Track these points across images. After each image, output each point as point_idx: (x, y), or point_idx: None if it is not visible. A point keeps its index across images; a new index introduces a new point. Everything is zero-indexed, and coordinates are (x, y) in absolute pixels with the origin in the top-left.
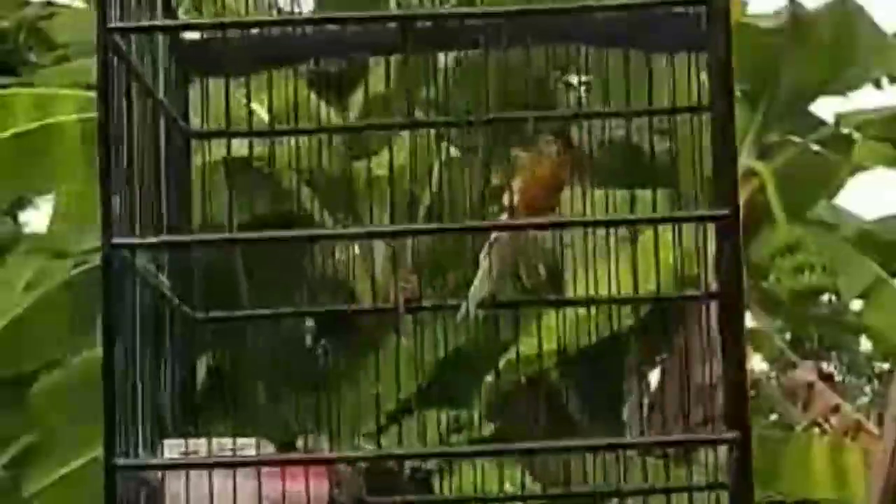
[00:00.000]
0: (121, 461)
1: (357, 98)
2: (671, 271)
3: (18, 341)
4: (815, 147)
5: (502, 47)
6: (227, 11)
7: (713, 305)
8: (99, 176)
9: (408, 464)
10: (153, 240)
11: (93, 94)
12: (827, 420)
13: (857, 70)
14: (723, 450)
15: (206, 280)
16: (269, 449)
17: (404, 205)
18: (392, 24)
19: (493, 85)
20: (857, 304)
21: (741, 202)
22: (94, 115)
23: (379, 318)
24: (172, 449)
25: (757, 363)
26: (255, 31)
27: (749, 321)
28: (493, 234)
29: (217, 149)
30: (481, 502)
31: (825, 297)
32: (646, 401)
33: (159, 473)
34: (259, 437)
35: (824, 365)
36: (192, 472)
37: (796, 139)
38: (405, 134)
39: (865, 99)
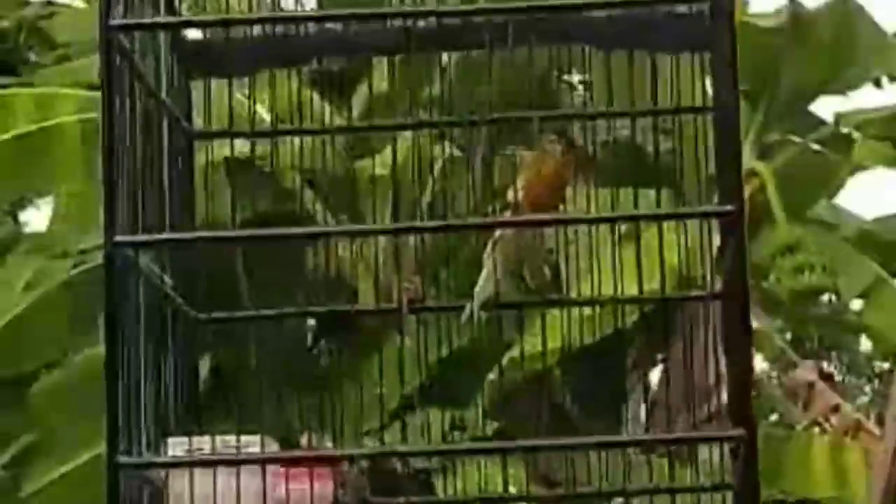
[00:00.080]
0: (124, 459)
1: (359, 97)
2: (675, 270)
3: (18, 341)
4: (816, 147)
5: (507, 48)
6: (230, 10)
7: (717, 304)
8: (102, 174)
9: (411, 464)
10: (156, 237)
11: (93, 94)
12: (827, 419)
13: (858, 69)
14: (726, 450)
15: (207, 280)
16: (273, 447)
17: (406, 204)
18: (395, 25)
19: (495, 84)
20: (857, 304)
21: None
22: (94, 115)
23: (382, 318)
24: (176, 447)
25: (758, 363)
26: (257, 31)
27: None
28: (497, 233)
29: (219, 149)
30: (485, 503)
31: (825, 297)
32: (648, 400)
33: (162, 472)
34: (262, 435)
35: (824, 365)
36: (196, 470)
37: (796, 139)
38: (407, 133)
39: (865, 98)
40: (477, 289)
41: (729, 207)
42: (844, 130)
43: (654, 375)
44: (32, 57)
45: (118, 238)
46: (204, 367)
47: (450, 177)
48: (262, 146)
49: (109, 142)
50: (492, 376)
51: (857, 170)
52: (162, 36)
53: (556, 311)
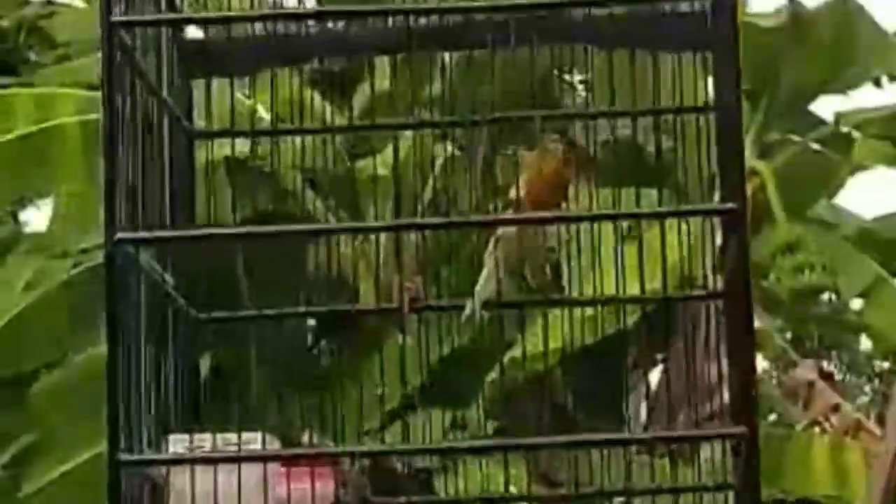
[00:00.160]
0: (125, 456)
1: (360, 97)
2: (676, 270)
3: (18, 341)
4: (816, 146)
5: (508, 47)
6: (231, 9)
7: (719, 303)
8: (103, 171)
9: (411, 464)
10: (157, 234)
11: (94, 94)
12: (827, 419)
13: (857, 69)
14: (728, 449)
15: (208, 280)
16: (274, 444)
17: (407, 202)
18: (397, 24)
19: (497, 84)
20: (857, 303)
21: None
22: (95, 116)
23: (382, 318)
24: (177, 444)
25: (758, 362)
26: (258, 31)
27: None
28: (499, 231)
29: (220, 148)
30: (486, 503)
31: (825, 296)
32: (648, 399)
33: (163, 470)
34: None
35: (825, 364)
36: (197, 467)
37: (796, 138)
38: (408, 133)
39: (865, 98)
40: (478, 288)
41: (731, 205)
42: (844, 130)
43: (654, 375)
44: (32, 57)
45: (119, 235)
46: (204, 366)
47: (451, 176)
48: (263, 146)
49: (110, 139)
50: (493, 376)
51: (857, 169)
52: (163, 35)
53: (557, 311)
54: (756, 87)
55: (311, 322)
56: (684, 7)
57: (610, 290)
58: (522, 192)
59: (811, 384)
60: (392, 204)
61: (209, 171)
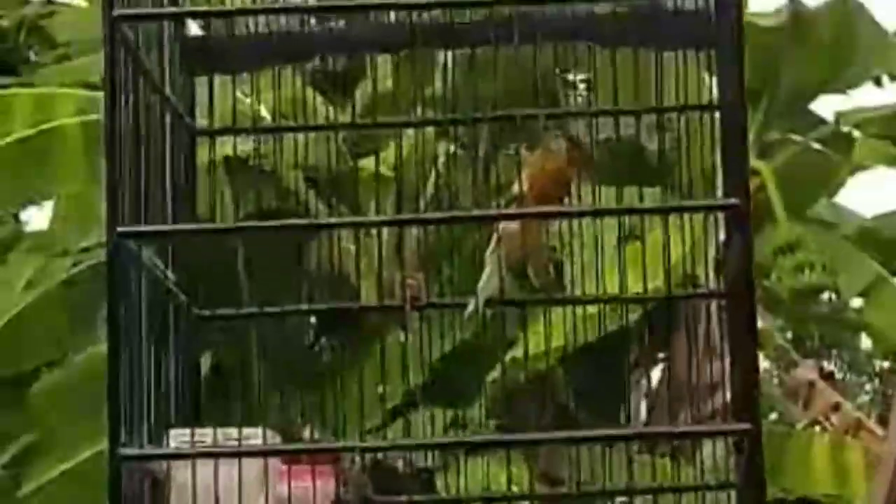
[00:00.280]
0: (126, 451)
1: (362, 94)
2: (678, 268)
3: (18, 340)
4: (816, 145)
5: (511, 45)
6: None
7: (721, 302)
8: (105, 166)
9: (413, 462)
10: (159, 227)
11: (94, 94)
12: (828, 418)
13: (858, 68)
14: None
15: (209, 277)
16: (275, 440)
17: (409, 200)
18: (399, 20)
19: (499, 82)
20: (857, 303)
21: None
22: (95, 116)
23: (384, 315)
24: (178, 439)
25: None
26: (260, 29)
27: None
28: (501, 228)
29: (222, 146)
30: (487, 501)
31: (826, 296)
32: (648, 397)
33: (164, 465)
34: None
35: (825, 363)
36: (198, 462)
37: (796, 138)
38: (410, 130)
39: (866, 97)
40: (480, 285)
41: (734, 201)
42: (845, 129)
43: (656, 373)
44: (32, 57)
45: (121, 229)
46: (205, 364)
47: (453, 173)
48: (263, 143)
49: (112, 135)
50: (494, 374)
51: (857, 168)
52: (166, 32)
53: (559, 309)
54: (756, 86)
55: (313, 319)
56: (688, 5)
57: (612, 288)
58: (525, 189)
59: (812, 383)
60: (394, 201)
61: (211, 169)
